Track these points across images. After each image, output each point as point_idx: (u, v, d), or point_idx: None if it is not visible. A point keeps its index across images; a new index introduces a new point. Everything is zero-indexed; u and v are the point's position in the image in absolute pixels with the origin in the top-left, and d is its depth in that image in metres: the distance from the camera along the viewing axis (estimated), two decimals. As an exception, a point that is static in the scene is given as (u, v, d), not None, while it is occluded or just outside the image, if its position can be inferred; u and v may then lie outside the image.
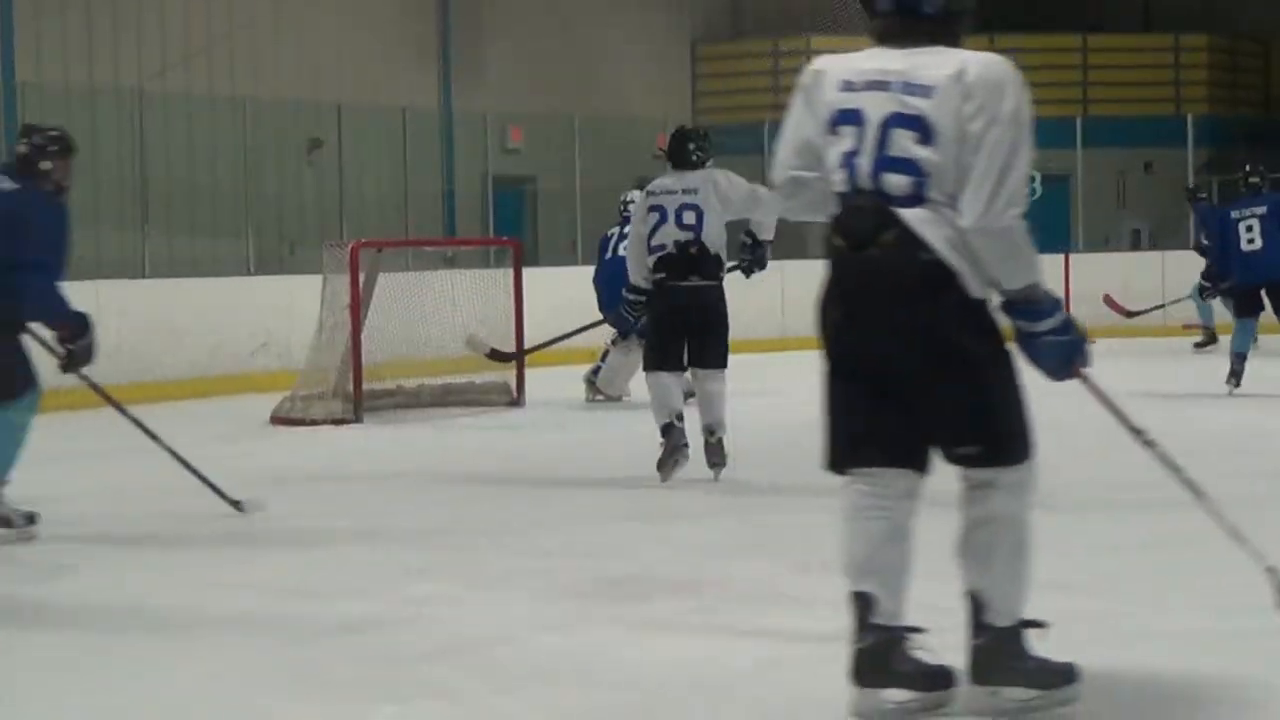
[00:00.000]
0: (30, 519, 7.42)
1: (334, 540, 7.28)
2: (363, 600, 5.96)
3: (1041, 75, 24.46)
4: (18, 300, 7.23)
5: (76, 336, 7.50)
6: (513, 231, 16.66)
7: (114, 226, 16.77)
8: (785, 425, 11.33)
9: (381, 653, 5.18)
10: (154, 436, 8.01)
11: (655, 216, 8.65)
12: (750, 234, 8.99)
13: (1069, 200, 21.89)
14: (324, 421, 11.67)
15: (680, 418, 8.67)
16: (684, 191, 8.64)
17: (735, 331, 18.75)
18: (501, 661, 5.10)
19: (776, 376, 15.44)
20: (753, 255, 9.03)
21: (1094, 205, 21.80)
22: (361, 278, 12.04)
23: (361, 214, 18.22)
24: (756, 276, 9.29)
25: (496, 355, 11.95)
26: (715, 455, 8.75)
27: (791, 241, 20.74)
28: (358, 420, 11.73)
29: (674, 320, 8.71)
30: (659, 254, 8.60)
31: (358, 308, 11.94)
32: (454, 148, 20.93)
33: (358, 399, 11.87)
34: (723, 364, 8.85)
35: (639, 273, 8.75)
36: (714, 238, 8.64)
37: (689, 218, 8.59)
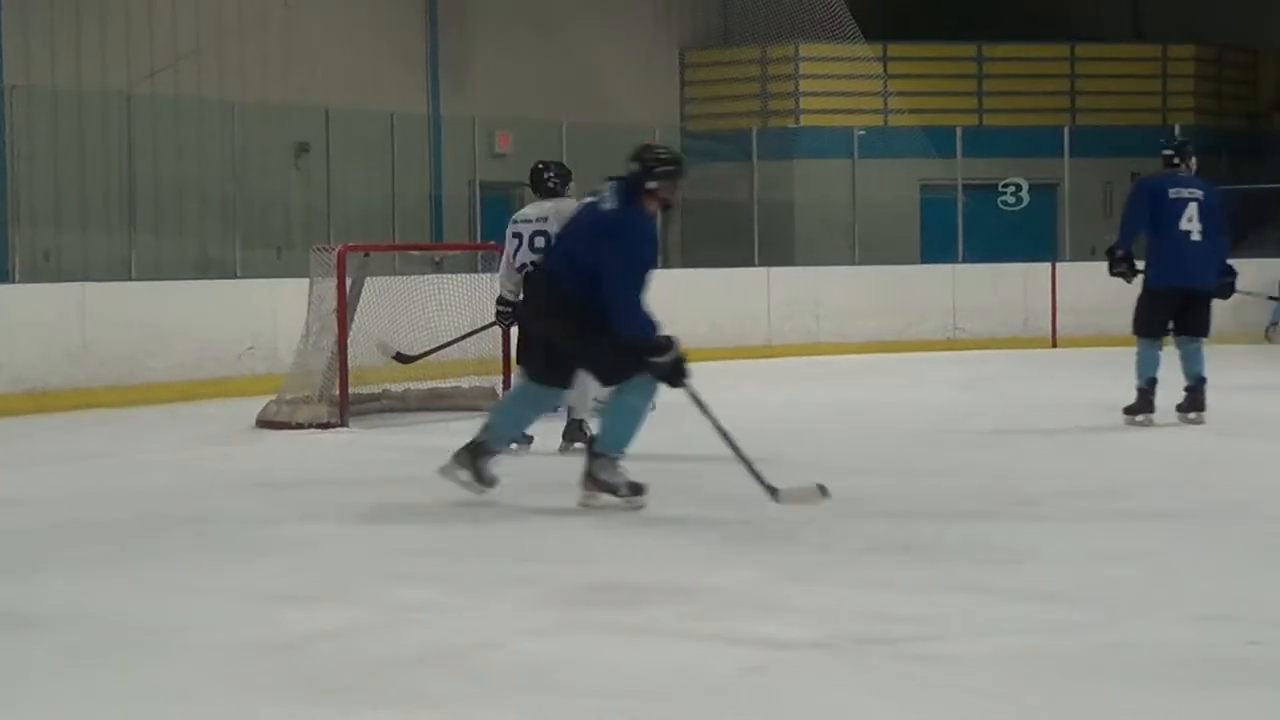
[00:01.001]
0: (637, 489, 7.85)
1: (318, 544, 7.27)
2: (347, 605, 5.96)
3: (1029, 84, 24.56)
4: (591, 299, 7.74)
5: (651, 354, 7.77)
6: (500, 237, 16.57)
7: (101, 229, 16.76)
8: (771, 432, 11.36)
9: (365, 658, 5.17)
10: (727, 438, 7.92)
11: (516, 241, 10.23)
12: None
13: (1056, 209, 21.92)
14: (310, 425, 11.66)
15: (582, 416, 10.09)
16: (537, 220, 10.20)
17: (722, 340, 18.76)
18: (486, 668, 5.10)
19: (762, 384, 15.47)
20: None
21: (1081, 214, 21.80)
22: (348, 282, 12.03)
23: (348, 218, 18.19)
24: None
25: (401, 358, 12.19)
26: (570, 433, 10.20)
27: (777, 251, 20.83)
28: (343, 424, 11.72)
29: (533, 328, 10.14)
30: (523, 272, 10.04)
31: (344, 312, 11.93)
32: (441, 153, 20.90)
33: (343, 403, 11.86)
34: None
35: (507, 287, 10.34)
36: None
37: (539, 242, 10.03)
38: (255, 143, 17.74)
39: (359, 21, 20.38)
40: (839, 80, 23.41)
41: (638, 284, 7.73)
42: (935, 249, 21.59)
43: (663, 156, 8.08)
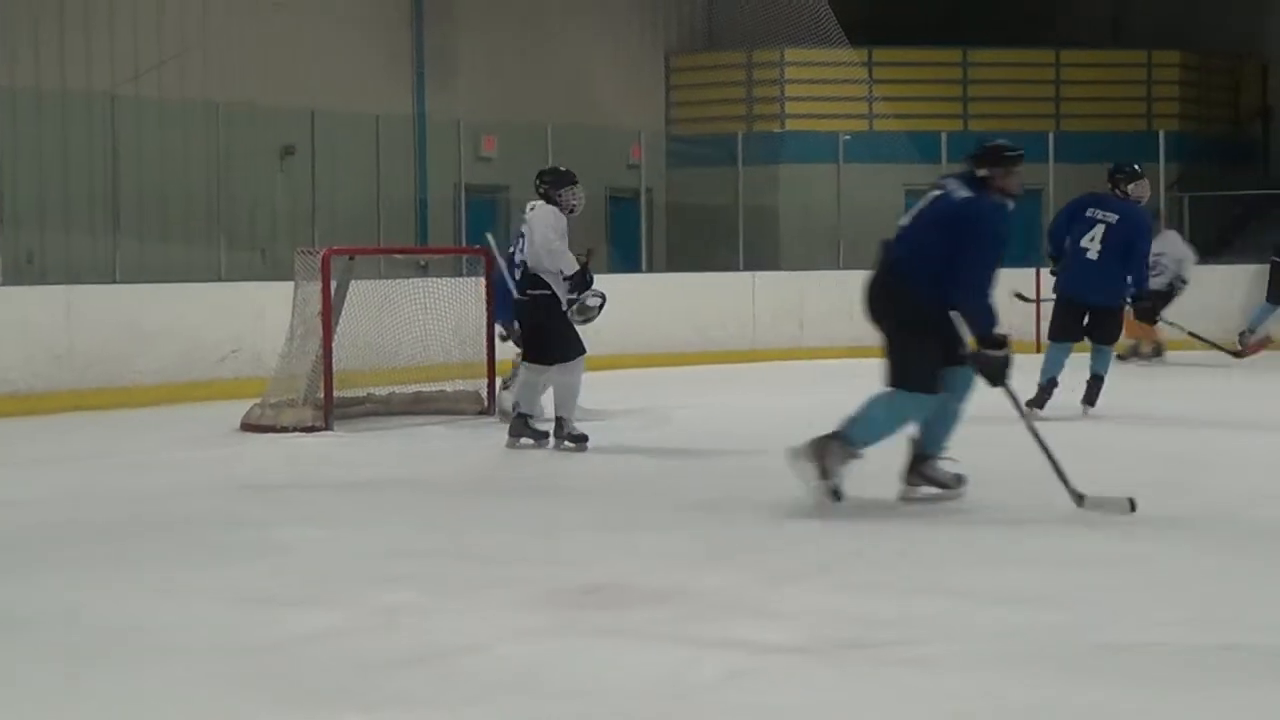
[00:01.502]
0: (959, 480, 8.03)
1: (304, 547, 7.27)
2: (331, 608, 5.96)
3: (1014, 90, 24.59)
4: (947, 296, 7.77)
5: (989, 347, 7.80)
6: (485, 240, 16.62)
7: (86, 231, 16.74)
8: (755, 436, 11.37)
9: (350, 661, 5.18)
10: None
11: (516, 239, 10.98)
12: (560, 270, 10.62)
13: (1040, 214, 21.91)
14: (294, 429, 11.65)
15: (528, 413, 10.64)
16: (524, 223, 10.78)
17: (706, 344, 18.71)
18: (470, 671, 5.11)
19: (747, 388, 15.48)
20: (568, 282, 10.55)
21: (1065, 220, 21.83)
22: (333, 285, 12.02)
23: (334, 221, 18.17)
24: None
25: (508, 337, 12.17)
26: (557, 432, 10.51)
27: (762, 256, 20.83)
28: (328, 428, 11.71)
29: (521, 322, 10.89)
30: (520, 269, 10.71)
31: (329, 315, 11.93)
32: (427, 156, 20.89)
33: (328, 406, 11.85)
34: (556, 359, 10.53)
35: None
36: (534, 261, 10.49)
37: (522, 244, 10.71)
38: (240, 145, 17.72)
39: (345, 24, 20.36)
40: (824, 85, 23.43)
41: (986, 271, 7.80)
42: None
43: (993, 147, 8.12)
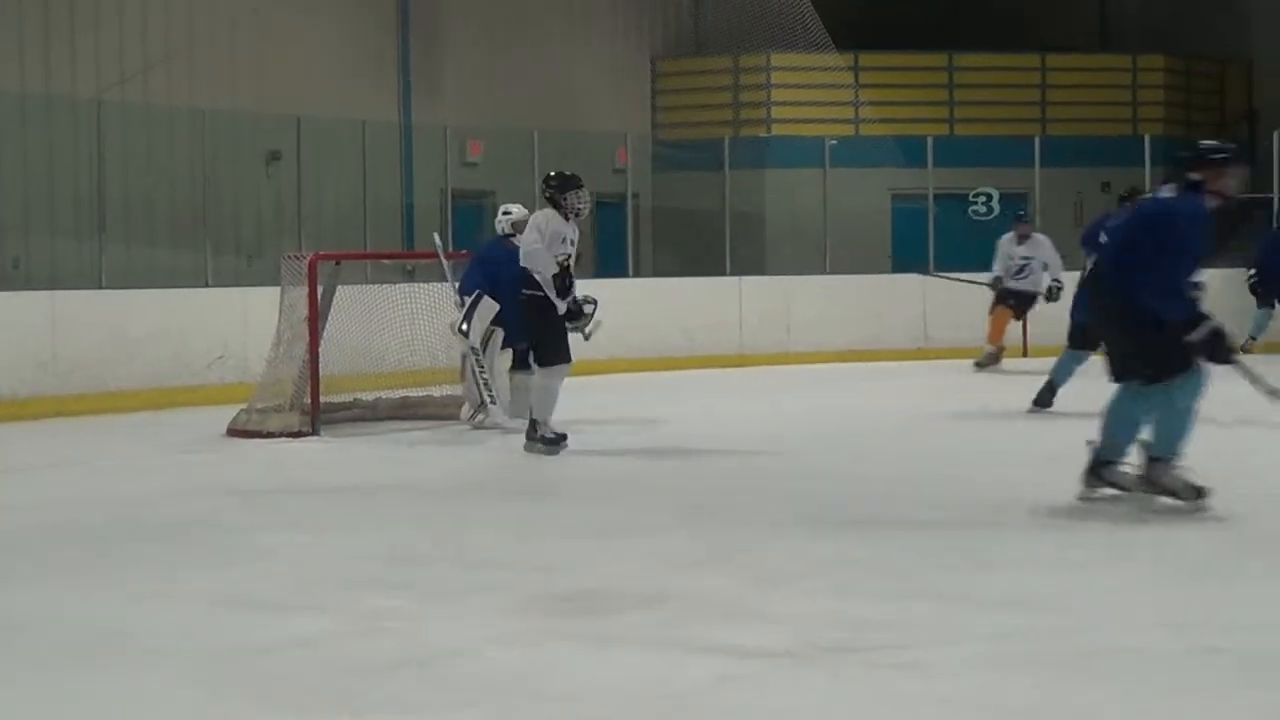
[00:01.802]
0: (1199, 492, 7.85)
1: (290, 552, 7.26)
2: (318, 614, 5.95)
3: (1000, 94, 24.62)
4: (1132, 292, 7.83)
5: (1187, 331, 7.83)
6: (471, 245, 16.59)
7: (71, 237, 16.69)
8: (747, 440, 11.37)
9: (337, 666, 5.17)
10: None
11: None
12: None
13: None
14: (281, 434, 11.63)
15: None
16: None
17: (694, 349, 18.73)
18: (458, 675, 5.09)
19: (735, 393, 15.48)
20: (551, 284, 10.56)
21: (1051, 224, 21.80)
22: (320, 290, 12.00)
23: (320, 226, 18.14)
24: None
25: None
26: (530, 434, 10.53)
27: (748, 261, 20.82)
28: (314, 433, 11.69)
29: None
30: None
31: (315, 320, 11.90)
32: (413, 161, 20.85)
33: (315, 412, 11.83)
34: (546, 361, 10.56)
35: None
36: (526, 261, 10.52)
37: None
38: (226, 150, 17.69)
39: (330, 30, 20.33)
40: (810, 90, 23.44)
41: (1176, 266, 7.87)
42: (906, 258, 21.60)
43: (1203, 147, 8.22)
